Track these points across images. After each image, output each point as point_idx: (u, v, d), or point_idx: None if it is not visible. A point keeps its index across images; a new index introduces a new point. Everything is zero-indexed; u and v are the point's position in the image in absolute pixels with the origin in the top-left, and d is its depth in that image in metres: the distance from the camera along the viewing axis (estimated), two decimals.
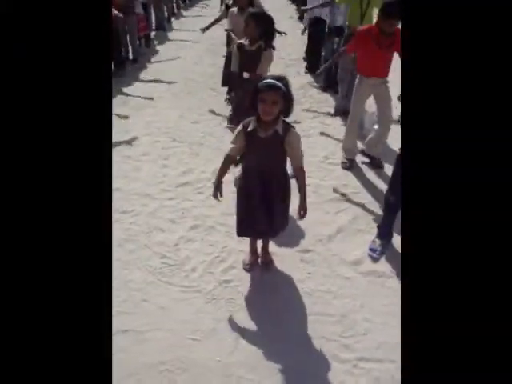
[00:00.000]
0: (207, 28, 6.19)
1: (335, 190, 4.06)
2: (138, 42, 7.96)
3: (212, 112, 5.79)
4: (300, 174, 2.66)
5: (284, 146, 2.56)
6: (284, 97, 2.40)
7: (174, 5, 12.41)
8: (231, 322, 2.68)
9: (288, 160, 2.69)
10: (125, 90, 6.54)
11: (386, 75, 4.08)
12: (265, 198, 2.70)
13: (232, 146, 2.64)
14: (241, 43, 3.83)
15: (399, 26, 3.72)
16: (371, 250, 3.29)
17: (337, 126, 5.49)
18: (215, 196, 2.68)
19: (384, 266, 3.16)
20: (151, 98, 6.26)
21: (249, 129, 2.52)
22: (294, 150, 2.58)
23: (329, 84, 6.63)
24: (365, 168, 4.51)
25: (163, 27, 10.33)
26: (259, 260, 3.10)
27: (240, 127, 2.59)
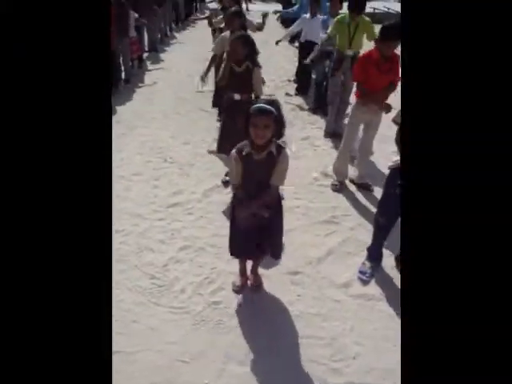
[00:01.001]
0: (205, 74, 5.47)
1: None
2: (130, 64, 8.02)
3: (202, 132, 5.82)
4: (274, 190, 2.64)
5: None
6: (276, 120, 2.41)
7: (167, 27, 12.55)
8: (220, 344, 2.66)
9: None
10: (117, 109, 6.57)
11: (384, 101, 4.13)
12: (259, 221, 2.69)
13: (234, 174, 2.63)
14: (230, 66, 3.90)
15: (397, 51, 3.76)
16: (361, 272, 3.30)
17: (327, 148, 5.55)
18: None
19: (374, 288, 3.17)
20: (143, 118, 6.29)
21: (244, 152, 2.53)
22: (281, 169, 2.56)
23: (319, 106, 6.72)
24: (354, 190, 4.55)
25: (155, 48, 10.43)
26: (249, 282, 3.10)
27: (235, 154, 2.56)
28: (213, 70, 5.31)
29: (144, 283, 3.11)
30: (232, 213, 2.81)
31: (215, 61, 5.19)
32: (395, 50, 3.88)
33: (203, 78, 5.22)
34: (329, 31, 5.78)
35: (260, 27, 5.98)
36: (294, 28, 7.29)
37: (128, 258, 3.35)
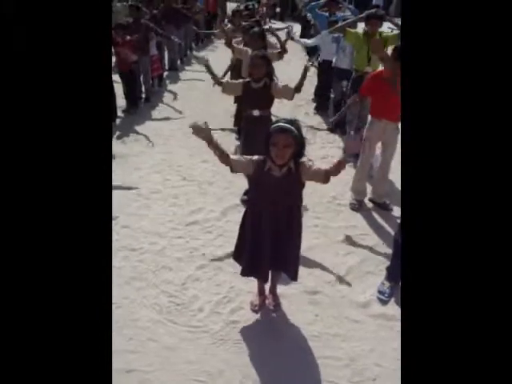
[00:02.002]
0: (224, 74, 6.28)
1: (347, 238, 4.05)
2: (150, 82, 8.13)
3: None
4: (332, 169, 2.48)
5: (302, 181, 2.58)
6: (296, 140, 2.42)
7: (187, 46, 12.71)
8: (237, 363, 2.64)
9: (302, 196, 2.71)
10: (137, 128, 6.65)
11: (397, 119, 4.12)
12: (276, 237, 2.68)
13: (237, 159, 2.59)
14: (247, 81, 3.95)
15: None
16: (380, 292, 3.26)
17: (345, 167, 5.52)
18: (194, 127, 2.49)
19: (393, 308, 3.12)
20: (162, 136, 6.35)
21: (265, 168, 2.53)
22: (313, 169, 2.52)
23: (337, 124, 6.71)
24: (373, 209, 4.52)
25: (175, 67, 10.58)
26: (267, 301, 3.07)
27: (256, 159, 2.56)
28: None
29: (162, 301, 3.10)
30: (247, 228, 2.79)
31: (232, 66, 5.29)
32: None
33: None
34: (347, 31, 5.82)
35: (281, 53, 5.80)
36: (310, 42, 7.32)
37: (146, 276, 3.35)
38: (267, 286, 3.08)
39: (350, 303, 3.17)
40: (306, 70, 4.00)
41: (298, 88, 3.98)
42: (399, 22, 5.69)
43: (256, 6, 13.52)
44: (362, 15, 5.94)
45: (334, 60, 6.75)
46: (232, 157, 2.58)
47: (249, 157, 2.62)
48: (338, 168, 2.45)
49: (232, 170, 2.63)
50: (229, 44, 5.35)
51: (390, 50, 4.98)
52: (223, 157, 2.55)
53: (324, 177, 2.50)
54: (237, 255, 2.92)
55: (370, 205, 4.59)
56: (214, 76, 4.07)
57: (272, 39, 5.64)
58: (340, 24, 6.20)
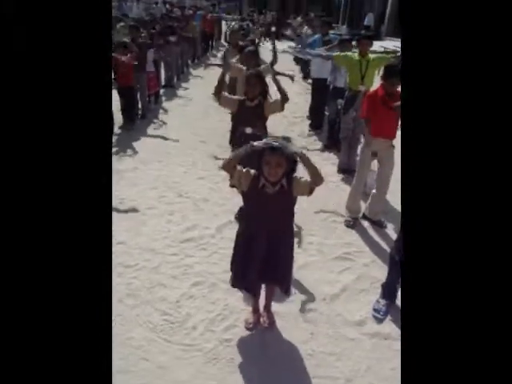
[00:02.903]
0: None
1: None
2: (147, 99, 8.18)
3: (217, 168, 5.86)
4: (313, 180, 2.56)
5: (294, 198, 2.62)
6: (287, 159, 2.46)
7: (184, 63, 12.81)
8: (230, 382, 2.61)
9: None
10: (133, 144, 6.66)
11: (393, 136, 4.16)
12: (268, 253, 2.69)
13: (242, 171, 2.61)
14: (243, 99, 3.98)
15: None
16: (375, 310, 3.25)
17: (340, 184, 5.55)
18: None
19: (389, 327, 3.11)
20: (158, 153, 6.37)
21: (259, 185, 2.56)
22: (301, 181, 2.57)
23: (332, 142, 6.76)
24: (368, 226, 4.53)
25: (172, 84, 10.64)
26: (261, 319, 3.05)
27: (253, 174, 2.60)
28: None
29: (155, 319, 3.08)
30: (240, 242, 2.80)
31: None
32: (398, 88, 3.95)
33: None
34: (335, 55, 5.90)
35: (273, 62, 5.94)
36: (306, 53, 7.37)
37: (139, 293, 3.33)
38: (261, 304, 3.06)
39: (345, 321, 3.15)
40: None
41: (283, 97, 3.96)
42: (389, 43, 5.82)
43: (250, 25, 13.69)
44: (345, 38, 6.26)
45: (329, 78, 6.82)
46: (239, 168, 2.60)
47: (250, 171, 2.64)
48: (312, 175, 2.53)
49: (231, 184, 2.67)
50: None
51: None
52: (230, 163, 2.57)
53: (308, 188, 2.58)
54: (231, 267, 2.92)
55: (364, 222, 4.59)
56: (220, 84, 4.06)
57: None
58: (326, 53, 6.32)
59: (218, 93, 4.02)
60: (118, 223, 4.21)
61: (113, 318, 3.00)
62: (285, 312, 3.18)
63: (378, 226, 4.50)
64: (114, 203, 4.60)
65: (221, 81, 4.06)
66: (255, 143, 2.47)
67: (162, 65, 10.05)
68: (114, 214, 4.29)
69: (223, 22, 19.74)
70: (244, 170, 2.60)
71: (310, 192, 2.59)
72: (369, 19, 22.11)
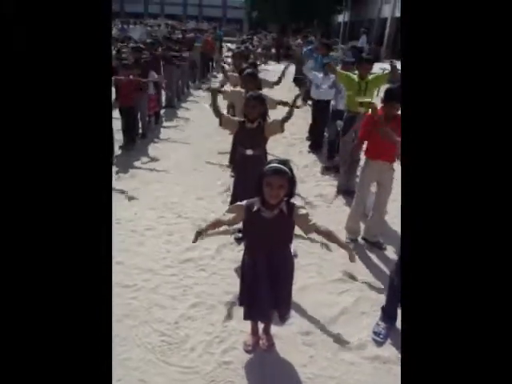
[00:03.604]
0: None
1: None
2: (147, 119, 8.24)
3: (216, 188, 5.88)
4: (323, 232, 2.62)
5: (293, 223, 2.62)
6: (289, 181, 2.47)
7: (184, 84, 12.93)
8: None
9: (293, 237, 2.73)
10: (133, 164, 6.69)
11: (393, 159, 4.19)
12: (270, 279, 2.69)
13: (228, 215, 2.65)
14: (243, 121, 4.01)
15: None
16: (375, 333, 3.22)
17: (339, 205, 5.56)
18: (195, 240, 2.56)
19: (389, 350, 3.08)
20: (158, 173, 6.39)
21: (253, 209, 2.56)
22: (305, 217, 2.58)
23: (331, 163, 6.79)
24: (367, 248, 4.52)
25: (173, 105, 10.73)
26: (260, 341, 3.03)
27: (243, 204, 2.62)
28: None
29: (154, 340, 3.05)
30: (243, 272, 2.82)
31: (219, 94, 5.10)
32: (398, 111, 3.99)
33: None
34: (338, 71, 6.01)
35: (277, 82, 6.12)
36: (308, 72, 7.48)
37: (138, 314, 3.31)
38: (261, 326, 3.04)
39: (344, 344, 3.13)
40: (294, 102, 4.06)
41: (286, 119, 3.99)
42: (388, 65, 5.92)
43: (250, 47, 13.87)
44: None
45: (332, 102, 6.90)
46: (221, 218, 2.66)
47: (236, 205, 2.68)
48: (329, 240, 2.72)
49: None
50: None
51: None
52: (213, 227, 2.65)
53: (309, 231, 2.64)
54: (240, 300, 2.92)
55: (364, 244, 4.59)
56: (215, 106, 4.07)
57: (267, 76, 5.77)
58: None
59: (218, 115, 4.05)
60: (117, 243, 4.20)
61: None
62: (284, 334, 3.16)
63: (378, 247, 4.50)
64: (113, 223, 4.60)
65: (214, 104, 4.05)
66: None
67: (163, 85, 10.16)
68: (113, 234, 4.28)
69: (224, 44, 20.04)
70: (231, 214, 2.64)
71: (310, 233, 2.69)
72: (362, 41, 22.46)
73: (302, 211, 2.57)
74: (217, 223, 2.65)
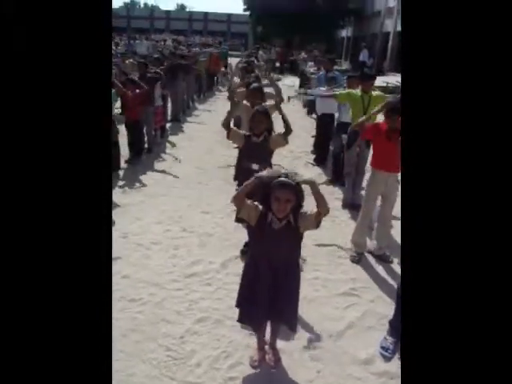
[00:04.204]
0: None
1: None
2: (153, 133, 8.28)
3: (222, 202, 5.87)
4: (318, 211, 2.57)
5: (301, 235, 2.62)
6: (296, 194, 2.46)
7: (190, 98, 13.02)
8: None
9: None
10: (139, 177, 6.71)
11: (397, 170, 4.18)
12: (274, 289, 2.67)
13: (249, 202, 2.61)
14: (248, 135, 4.02)
15: None
16: (383, 348, 3.19)
17: (345, 219, 5.55)
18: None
19: (397, 366, 3.04)
20: (163, 187, 6.40)
21: (267, 220, 2.56)
22: (307, 216, 2.58)
23: (336, 177, 6.79)
24: (373, 262, 4.49)
25: (178, 119, 10.79)
26: (267, 356, 3.01)
27: (260, 208, 2.59)
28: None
29: (159, 355, 3.04)
30: (246, 278, 2.79)
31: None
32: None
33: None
34: (338, 94, 6.03)
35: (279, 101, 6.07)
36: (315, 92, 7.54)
37: (143, 329, 3.29)
38: (267, 341, 3.02)
39: (352, 359, 3.10)
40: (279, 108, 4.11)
41: (287, 129, 4.00)
42: (392, 78, 5.92)
43: (255, 61, 13.97)
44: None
45: (336, 115, 6.93)
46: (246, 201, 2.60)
47: (256, 204, 2.63)
48: (319, 204, 2.54)
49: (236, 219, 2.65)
50: (231, 98, 5.44)
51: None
52: (239, 196, 2.60)
53: (315, 222, 2.59)
54: (238, 303, 2.89)
55: (370, 257, 4.57)
56: (228, 119, 4.08)
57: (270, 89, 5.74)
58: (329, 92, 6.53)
59: (227, 126, 4.07)
60: (123, 257, 4.21)
61: (116, 353, 2.96)
62: (290, 349, 3.14)
63: (384, 260, 4.47)
64: (119, 237, 4.61)
65: (228, 117, 4.09)
66: (261, 173, 2.49)
67: (169, 100, 10.24)
68: (119, 248, 4.29)
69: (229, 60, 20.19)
70: (253, 204, 2.61)
71: (317, 225, 2.60)
72: (364, 55, 22.59)
73: (304, 213, 2.58)
74: (241, 197, 2.59)
